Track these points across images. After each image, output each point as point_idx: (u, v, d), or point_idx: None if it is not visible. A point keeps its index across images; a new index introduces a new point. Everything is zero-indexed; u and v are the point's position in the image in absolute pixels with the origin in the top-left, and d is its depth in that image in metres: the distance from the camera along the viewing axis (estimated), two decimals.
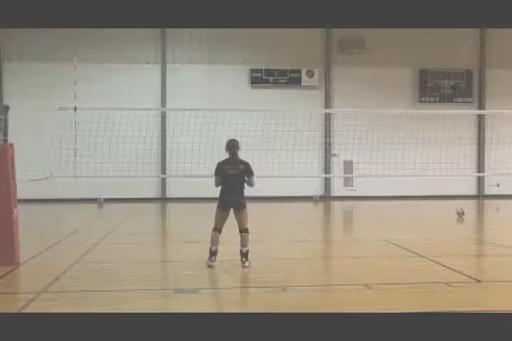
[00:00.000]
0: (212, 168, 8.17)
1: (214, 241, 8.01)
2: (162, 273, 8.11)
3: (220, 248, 8.04)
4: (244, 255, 7.99)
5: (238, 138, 8.21)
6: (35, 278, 7.34)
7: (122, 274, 7.63)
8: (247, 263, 7.95)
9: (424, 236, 11.42)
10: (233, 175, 7.94)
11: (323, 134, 23.35)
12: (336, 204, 21.84)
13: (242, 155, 8.12)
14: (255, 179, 8.10)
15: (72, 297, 6.37)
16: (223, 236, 8.03)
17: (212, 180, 8.12)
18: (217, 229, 8.04)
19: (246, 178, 8.04)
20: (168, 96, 22.84)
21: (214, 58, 23.20)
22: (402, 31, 22.78)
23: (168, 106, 22.53)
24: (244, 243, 8.01)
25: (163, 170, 22.17)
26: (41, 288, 6.60)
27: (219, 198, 8.07)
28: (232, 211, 8.05)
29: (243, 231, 8.03)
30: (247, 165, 8.05)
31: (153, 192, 22.87)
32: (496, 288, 6.85)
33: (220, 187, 8.12)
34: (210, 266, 7.92)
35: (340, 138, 20.55)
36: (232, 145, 8.02)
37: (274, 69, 23.34)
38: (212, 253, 8.00)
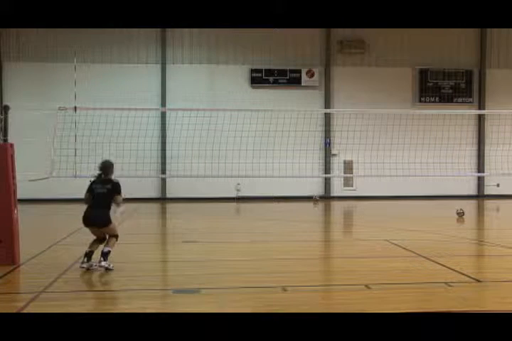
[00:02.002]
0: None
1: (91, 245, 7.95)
2: (162, 273, 8.11)
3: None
4: (103, 254, 7.72)
5: (238, 138, 8.22)
6: (35, 278, 7.34)
7: (122, 274, 7.63)
8: (103, 263, 7.65)
9: (424, 236, 11.41)
10: (99, 194, 7.91)
11: (323, 134, 23.35)
12: (335, 204, 21.84)
13: (242, 155, 8.12)
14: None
15: (72, 297, 6.37)
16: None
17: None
18: (98, 239, 8.00)
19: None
20: (168, 96, 22.83)
21: (214, 58, 23.21)
22: (402, 31, 22.82)
23: (168, 106, 22.52)
24: (108, 244, 7.86)
25: (163, 170, 22.16)
26: (41, 288, 6.60)
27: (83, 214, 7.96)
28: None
29: (111, 236, 7.95)
30: (115, 184, 7.97)
31: (153, 192, 22.86)
32: (496, 288, 6.85)
33: None
34: (82, 268, 7.72)
35: (340, 138, 20.53)
36: (104, 167, 8.05)
37: (274, 69, 23.33)
38: (86, 255, 7.83)
